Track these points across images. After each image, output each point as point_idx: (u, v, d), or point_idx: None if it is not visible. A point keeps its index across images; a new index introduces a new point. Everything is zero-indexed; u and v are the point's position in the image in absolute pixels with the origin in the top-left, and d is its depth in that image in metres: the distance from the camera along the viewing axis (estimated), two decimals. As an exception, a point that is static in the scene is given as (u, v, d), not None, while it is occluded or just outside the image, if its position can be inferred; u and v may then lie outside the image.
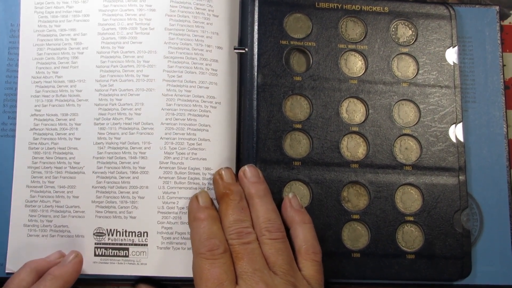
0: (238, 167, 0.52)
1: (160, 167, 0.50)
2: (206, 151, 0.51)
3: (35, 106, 0.52)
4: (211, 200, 0.49)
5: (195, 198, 0.49)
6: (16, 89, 0.52)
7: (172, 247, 0.50)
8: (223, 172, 0.50)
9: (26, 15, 0.53)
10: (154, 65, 0.51)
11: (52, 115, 0.51)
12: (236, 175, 0.50)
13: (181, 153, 0.50)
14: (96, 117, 0.51)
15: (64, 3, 0.53)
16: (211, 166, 0.51)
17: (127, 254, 0.50)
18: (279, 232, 0.47)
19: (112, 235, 0.50)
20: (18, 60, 0.52)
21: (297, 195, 0.51)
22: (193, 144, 0.51)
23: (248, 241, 0.46)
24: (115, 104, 0.51)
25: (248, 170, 0.50)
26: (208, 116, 0.51)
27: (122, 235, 0.50)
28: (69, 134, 0.51)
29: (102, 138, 0.51)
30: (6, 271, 0.49)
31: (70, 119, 0.51)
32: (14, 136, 0.51)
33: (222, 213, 0.48)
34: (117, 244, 0.50)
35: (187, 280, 0.49)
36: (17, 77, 0.52)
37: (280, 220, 0.48)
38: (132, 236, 0.50)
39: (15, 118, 0.52)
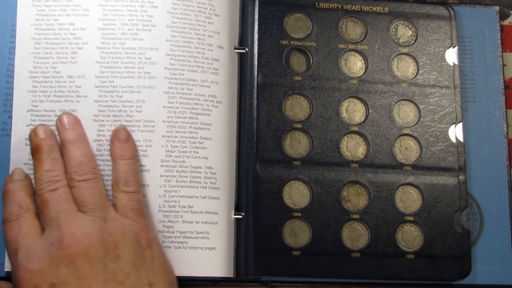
0: (239, 166, 0.52)
1: (161, 165, 0.50)
2: (208, 150, 0.51)
3: (32, 101, 0.50)
4: (26, 174, 0.48)
5: (8, 176, 0.48)
6: (17, 88, 0.51)
7: (174, 246, 0.49)
8: (37, 129, 0.48)
9: (23, 9, 0.52)
10: (155, 62, 0.51)
11: (49, 111, 0.50)
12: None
13: (183, 152, 0.50)
14: (96, 113, 0.50)
15: None
16: (213, 165, 0.51)
17: (127, 253, 0.49)
18: (90, 174, 0.46)
19: (112, 234, 0.50)
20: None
21: (296, 194, 0.51)
22: (194, 142, 0.50)
23: (55, 187, 0.45)
24: (116, 101, 0.50)
25: (64, 117, 0.49)
26: (209, 115, 0.51)
27: (122, 234, 0.50)
28: (68, 131, 0.51)
29: (102, 135, 0.50)
30: (6, 270, 0.49)
31: (68, 116, 0.51)
32: (14, 135, 0.51)
33: (34, 169, 0.47)
34: (117, 243, 0.50)
35: (188, 280, 0.49)
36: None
37: (94, 163, 0.47)
38: (132, 234, 0.50)
39: (15, 117, 0.51)
